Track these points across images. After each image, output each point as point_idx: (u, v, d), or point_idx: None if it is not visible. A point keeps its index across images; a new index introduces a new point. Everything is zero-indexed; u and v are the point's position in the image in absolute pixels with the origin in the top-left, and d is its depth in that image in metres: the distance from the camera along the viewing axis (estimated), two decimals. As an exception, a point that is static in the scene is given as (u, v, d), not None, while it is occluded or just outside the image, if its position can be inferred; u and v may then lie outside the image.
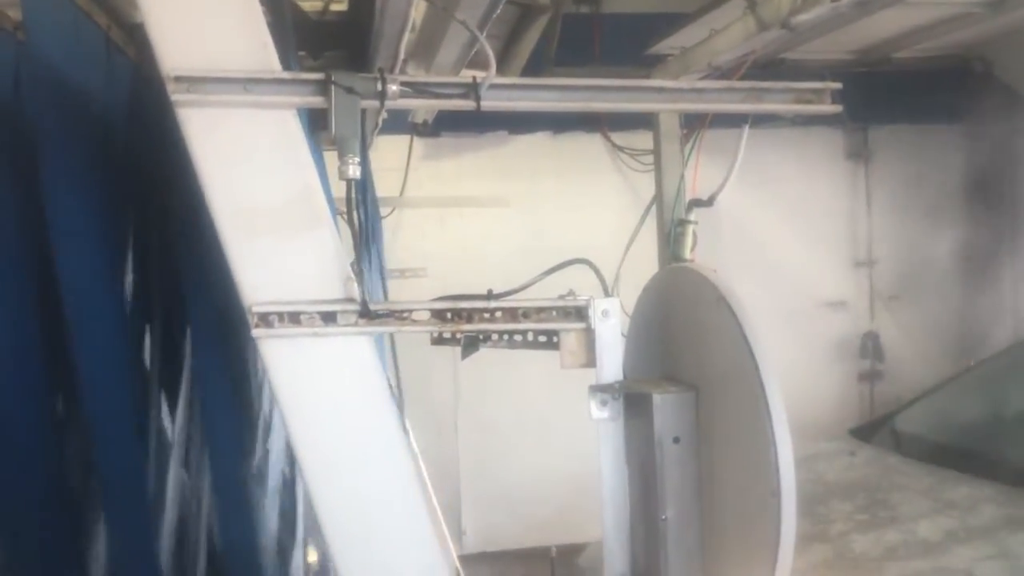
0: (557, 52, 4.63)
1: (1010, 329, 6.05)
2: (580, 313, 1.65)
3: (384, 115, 2.82)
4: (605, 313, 1.64)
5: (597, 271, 1.73)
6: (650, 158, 4.94)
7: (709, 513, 1.58)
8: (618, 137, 5.78)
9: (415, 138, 5.56)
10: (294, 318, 1.59)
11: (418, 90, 1.65)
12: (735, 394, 1.49)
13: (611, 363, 1.65)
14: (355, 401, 1.64)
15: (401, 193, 5.51)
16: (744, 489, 1.49)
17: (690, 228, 4.46)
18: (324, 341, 1.61)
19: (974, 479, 3.31)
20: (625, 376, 1.67)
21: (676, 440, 1.59)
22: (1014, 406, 4.09)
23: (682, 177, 4.60)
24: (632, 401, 1.65)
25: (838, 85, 1.81)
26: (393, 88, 1.61)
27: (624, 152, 5.78)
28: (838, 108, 1.79)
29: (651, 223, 4.74)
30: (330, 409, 1.63)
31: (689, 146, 4.57)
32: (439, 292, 1.74)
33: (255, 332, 1.58)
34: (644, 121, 5.03)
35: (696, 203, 4.42)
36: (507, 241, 5.59)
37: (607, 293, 1.71)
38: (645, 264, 4.21)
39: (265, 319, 1.58)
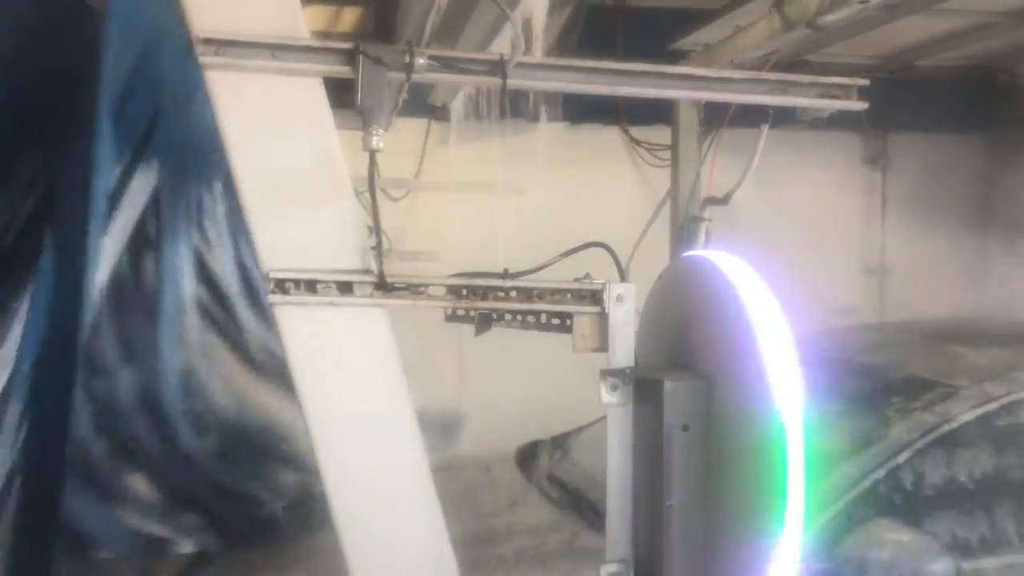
0: (579, 44, 4.61)
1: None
2: (595, 297, 1.65)
3: (404, 95, 2.81)
4: (620, 298, 1.65)
5: (613, 254, 1.73)
6: (667, 153, 4.90)
7: (714, 501, 1.58)
8: (636, 131, 5.75)
9: (432, 122, 5.55)
10: (310, 286, 1.59)
11: (445, 64, 1.65)
12: (746, 384, 1.49)
13: (623, 348, 1.65)
14: (367, 372, 1.65)
15: (416, 176, 5.51)
16: (750, 480, 1.48)
17: (703, 226, 4.43)
18: (339, 311, 1.61)
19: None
20: (636, 364, 1.67)
21: (685, 428, 1.58)
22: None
23: (698, 174, 4.57)
24: (642, 387, 1.64)
25: (865, 81, 1.80)
26: (421, 61, 1.61)
27: (641, 146, 5.76)
28: (864, 104, 1.78)
29: (664, 219, 4.72)
30: (342, 378, 1.63)
31: (707, 143, 4.56)
32: (449, 276, 1.74)
33: (271, 298, 1.58)
34: (663, 115, 5.00)
35: (711, 201, 4.39)
36: (520, 229, 5.55)
37: (623, 278, 1.71)
38: (656, 260, 4.17)
39: (281, 285, 1.59)
